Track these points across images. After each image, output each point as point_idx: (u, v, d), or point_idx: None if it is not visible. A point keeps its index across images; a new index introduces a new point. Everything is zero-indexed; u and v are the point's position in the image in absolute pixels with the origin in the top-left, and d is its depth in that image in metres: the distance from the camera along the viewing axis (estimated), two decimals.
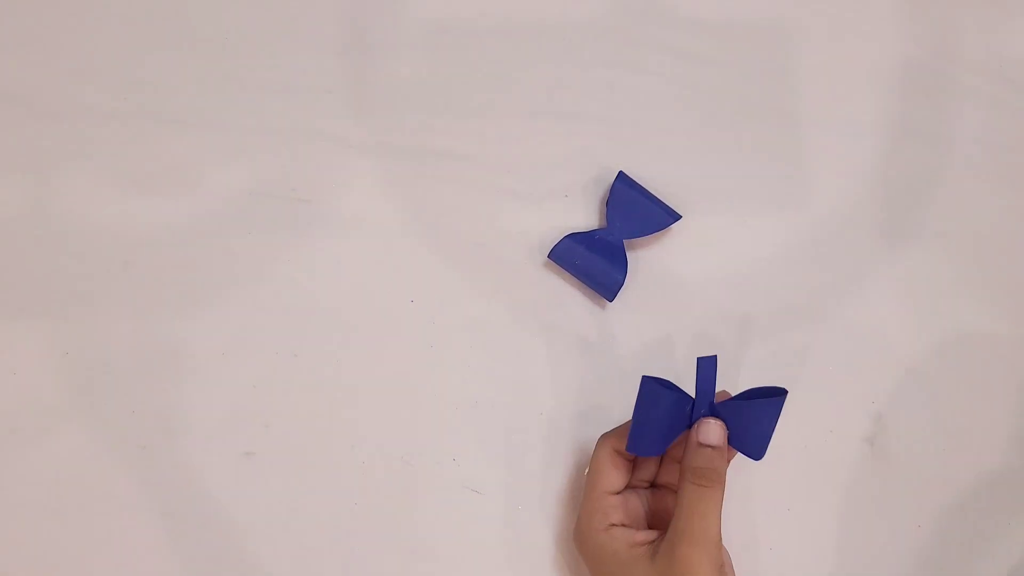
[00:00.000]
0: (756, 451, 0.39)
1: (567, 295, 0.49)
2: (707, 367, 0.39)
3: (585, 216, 0.51)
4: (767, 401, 0.39)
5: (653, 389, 0.39)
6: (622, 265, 0.48)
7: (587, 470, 0.42)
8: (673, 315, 0.50)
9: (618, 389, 0.48)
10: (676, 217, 0.49)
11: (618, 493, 0.41)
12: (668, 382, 0.40)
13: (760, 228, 0.52)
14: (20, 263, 0.48)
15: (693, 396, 0.40)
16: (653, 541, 0.39)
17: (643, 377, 0.39)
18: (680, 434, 0.40)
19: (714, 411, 0.40)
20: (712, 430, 0.39)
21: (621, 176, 0.50)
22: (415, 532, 0.44)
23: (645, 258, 0.51)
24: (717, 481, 0.38)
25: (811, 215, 0.53)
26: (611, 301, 0.48)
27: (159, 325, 0.48)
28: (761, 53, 0.57)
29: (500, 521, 0.45)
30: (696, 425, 0.39)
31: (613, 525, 0.40)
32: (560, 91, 0.55)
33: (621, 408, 0.48)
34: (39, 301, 0.48)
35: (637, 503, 0.42)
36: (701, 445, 0.39)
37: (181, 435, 0.45)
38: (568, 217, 0.51)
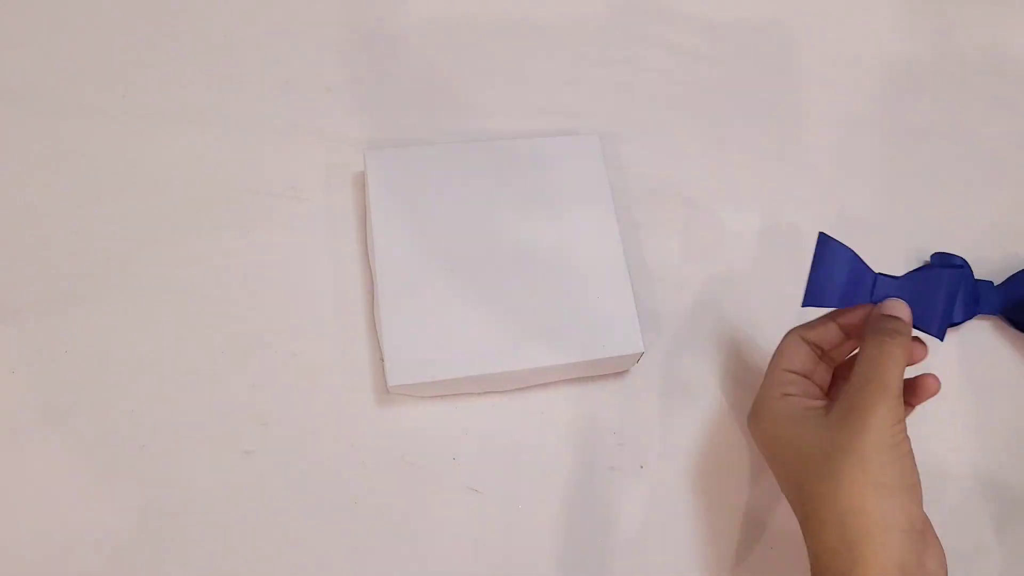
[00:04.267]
0: (937, 329, 0.40)
1: None
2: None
3: None
4: (944, 271, 0.40)
5: (832, 245, 0.40)
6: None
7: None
8: (674, 314, 0.50)
9: (617, 387, 0.48)
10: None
11: (797, 373, 0.42)
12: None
13: (761, 226, 0.52)
14: (20, 263, 0.48)
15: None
16: (828, 405, 0.40)
17: (820, 234, 0.40)
18: (858, 302, 0.41)
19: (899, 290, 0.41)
20: (898, 305, 0.40)
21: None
22: (415, 532, 0.44)
23: (647, 257, 0.51)
24: (903, 333, 0.38)
25: (812, 213, 0.53)
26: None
27: (159, 324, 0.48)
28: (762, 52, 0.57)
29: (500, 521, 0.45)
30: (882, 303, 0.40)
31: (788, 395, 0.41)
32: (560, 90, 0.55)
33: (621, 406, 0.48)
34: (39, 301, 0.48)
35: (815, 387, 0.42)
36: (886, 316, 0.39)
37: (181, 435, 0.45)
38: None
